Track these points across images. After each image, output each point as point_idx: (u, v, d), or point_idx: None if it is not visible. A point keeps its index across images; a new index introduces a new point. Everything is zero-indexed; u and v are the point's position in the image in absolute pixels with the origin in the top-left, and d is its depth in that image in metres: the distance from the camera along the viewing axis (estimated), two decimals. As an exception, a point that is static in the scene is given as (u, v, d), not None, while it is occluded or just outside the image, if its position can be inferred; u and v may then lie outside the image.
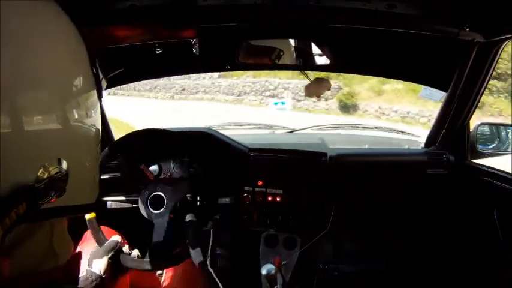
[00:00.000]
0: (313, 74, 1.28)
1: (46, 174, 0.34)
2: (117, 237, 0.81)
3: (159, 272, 1.02)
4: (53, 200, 0.35)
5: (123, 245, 0.89)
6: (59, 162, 0.35)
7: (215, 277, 0.86)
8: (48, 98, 0.36)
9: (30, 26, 0.34)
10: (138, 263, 0.83)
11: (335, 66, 1.24)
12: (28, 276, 0.36)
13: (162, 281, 0.95)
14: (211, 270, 0.85)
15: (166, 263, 0.85)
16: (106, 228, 0.94)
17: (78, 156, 0.40)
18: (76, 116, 0.39)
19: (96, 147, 0.45)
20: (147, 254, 0.84)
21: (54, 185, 0.35)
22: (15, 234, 0.34)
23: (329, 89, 1.18)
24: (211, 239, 0.89)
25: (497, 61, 0.97)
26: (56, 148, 0.36)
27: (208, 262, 0.86)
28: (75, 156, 0.39)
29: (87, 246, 0.88)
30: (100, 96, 0.46)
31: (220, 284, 0.87)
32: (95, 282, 0.68)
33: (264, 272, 1.05)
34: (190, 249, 0.86)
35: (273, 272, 1.06)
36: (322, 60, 1.14)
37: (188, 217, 0.89)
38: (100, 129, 0.46)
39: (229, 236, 1.24)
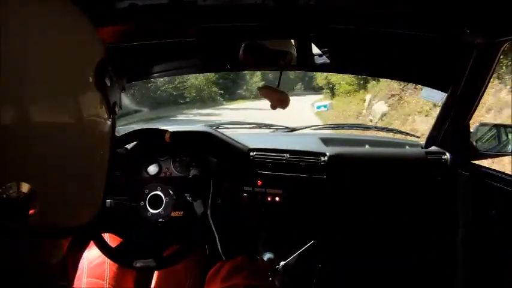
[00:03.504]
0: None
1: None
2: None
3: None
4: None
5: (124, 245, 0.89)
6: (17, 186, 0.31)
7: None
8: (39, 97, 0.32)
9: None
10: (139, 263, 0.83)
11: (335, 67, 1.24)
12: (19, 273, 0.36)
13: (153, 280, 0.95)
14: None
15: (163, 264, 0.85)
16: (109, 235, 0.94)
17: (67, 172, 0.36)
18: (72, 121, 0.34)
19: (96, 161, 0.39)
20: (145, 255, 0.84)
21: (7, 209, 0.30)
22: None
23: (284, 107, 0.97)
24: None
25: (497, 62, 0.97)
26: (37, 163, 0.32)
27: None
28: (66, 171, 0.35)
29: (92, 251, 0.89)
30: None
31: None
32: None
33: (264, 258, 1.06)
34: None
35: (272, 257, 1.07)
36: (322, 60, 1.14)
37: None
38: (109, 137, 0.41)
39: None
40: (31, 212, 0.32)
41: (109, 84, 0.39)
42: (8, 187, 0.30)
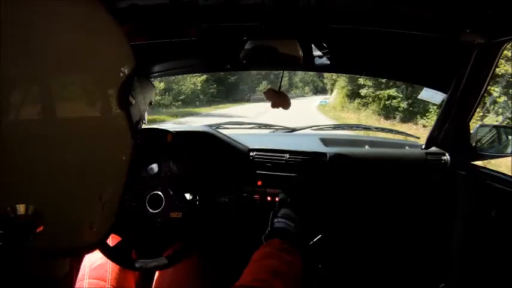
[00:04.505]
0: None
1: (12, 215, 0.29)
2: None
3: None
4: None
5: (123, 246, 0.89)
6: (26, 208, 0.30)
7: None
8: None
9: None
10: (139, 263, 0.83)
11: (335, 67, 1.25)
12: (23, 277, 0.35)
13: (153, 280, 0.95)
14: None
15: (163, 264, 0.85)
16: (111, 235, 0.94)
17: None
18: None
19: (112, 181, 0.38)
20: (145, 255, 0.84)
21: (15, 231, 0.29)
22: None
23: (287, 107, 1.02)
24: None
25: (497, 62, 0.97)
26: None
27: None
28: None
29: (94, 252, 0.88)
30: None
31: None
32: None
33: None
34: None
35: None
36: (322, 60, 1.14)
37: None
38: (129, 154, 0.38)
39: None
40: (38, 230, 0.31)
41: (133, 103, 0.36)
42: (14, 207, 0.29)
